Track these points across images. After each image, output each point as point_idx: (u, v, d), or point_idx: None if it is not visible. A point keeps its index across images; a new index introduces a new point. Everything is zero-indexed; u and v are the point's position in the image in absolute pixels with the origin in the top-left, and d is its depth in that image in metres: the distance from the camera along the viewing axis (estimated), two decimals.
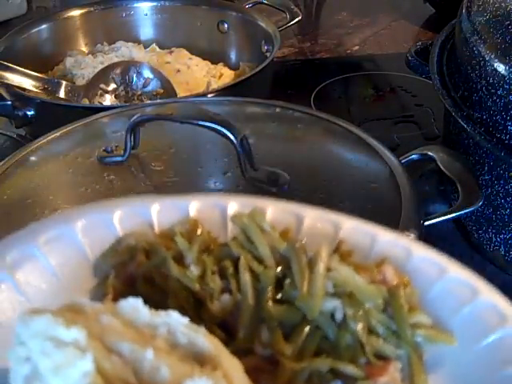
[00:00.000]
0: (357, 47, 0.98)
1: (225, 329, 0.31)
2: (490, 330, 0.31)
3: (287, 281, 0.32)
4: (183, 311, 0.28)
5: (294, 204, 0.38)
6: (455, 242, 0.61)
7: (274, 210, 0.37)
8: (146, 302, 0.27)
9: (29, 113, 0.72)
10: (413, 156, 0.53)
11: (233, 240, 0.34)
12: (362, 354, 0.30)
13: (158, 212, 0.37)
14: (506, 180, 0.53)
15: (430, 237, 0.51)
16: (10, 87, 0.74)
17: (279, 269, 0.33)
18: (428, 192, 0.58)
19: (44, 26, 0.88)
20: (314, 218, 0.37)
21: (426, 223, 0.49)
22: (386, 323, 0.32)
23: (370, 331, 0.31)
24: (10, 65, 0.74)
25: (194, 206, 0.37)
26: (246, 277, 0.32)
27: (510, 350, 0.30)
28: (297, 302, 0.31)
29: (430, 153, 0.55)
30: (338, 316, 0.31)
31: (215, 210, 0.37)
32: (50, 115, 0.69)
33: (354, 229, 0.37)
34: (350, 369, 0.30)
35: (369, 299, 0.31)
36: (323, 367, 0.30)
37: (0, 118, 0.77)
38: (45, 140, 0.58)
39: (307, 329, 0.31)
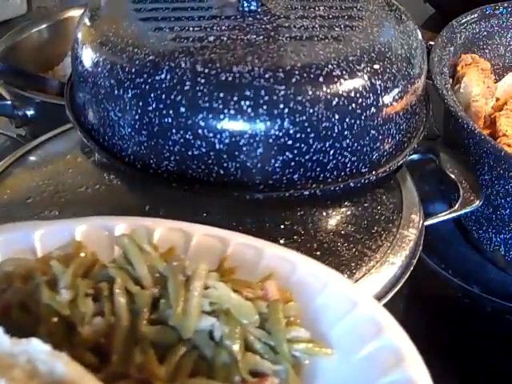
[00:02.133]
0: None
1: (100, 353, 0.31)
2: (366, 341, 0.32)
3: (163, 300, 0.32)
4: (53, 337, 0.27)
5: (185, 223, 0.39)
6: (455, 242, 0.61)
7: (163, 230, 0.38)
8: (20, 329, 0.27)
9: (29, 113, 0.72)
10: (413, 156, 0.53)
11: (112, 262, 0.34)
12: (237, 371, 0.30)
13: (42, 236, 0.37)
14: (506, 180, 0.53)
15: (429, 237, 0.52)
16: (10, 87, 0.74)
17: (156, 289, 0.32)
18: (428, 192, 0.58)
19: (44, 26, 0.88)
20: (203, 236, 0.38)
21: (426, 223, 0.49)
22: (264, 339, 0.32)
23: (248, 348, 0.31)
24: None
25: (81, 228, 0.37)
26: (120, 298, 0.32)
27: (386, 359, 0.31)
28: (171, 322, 0.31)
29: (430, 153, 0.55)
30: (217, 334, 0.31)
31: (103, 232, 0.37)
32: (50, 115, 0.69)
33: (242, 244, 0.37)
34: None
35: (244, 316, 0.32)
36: None
37: (0, 118, 0.77)
38: (45, 140, 0.58)
39: (183, 349, 0.31)
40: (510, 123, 0.65)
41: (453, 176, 0.53)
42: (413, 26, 0.58)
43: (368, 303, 0.34)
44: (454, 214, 0.51)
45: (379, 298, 0.43)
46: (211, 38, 0.50)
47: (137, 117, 0.47)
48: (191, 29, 0.51)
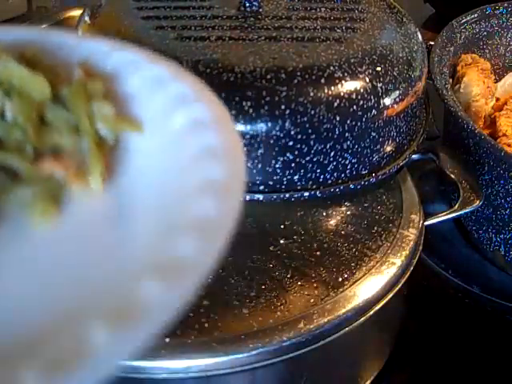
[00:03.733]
0: None
1: None
2: (177, 115, 0.30)
3: None
4: None
5: None
6: (455, 242, 0.61)
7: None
8: None
9: None
10: (413, 156, 0.54)
11: None
12: (31, 147, 0.28)
13: None
14: (506, 180, 0.53)
15: (429, 237, 0.52)
16: None
17: None
18: (428, 192, 0.58)
19: (44, 26, 0.88)
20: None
21: (426, 223, 0.50)
22: (62, 116, 0.30)
23: (45, 125, 0.29)
24: None
25: None
26: None
27: (197, 131, 0.29)
28: None
29: (430, 153, 0.55)
30: (8, 114, 0.29)
31: None
32: None
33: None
34: (16, 161, 0.28)
35: (38, 91, 0.30)
36: None
37: None
38: None
39: None
40: (510, 123, 0.65)
41: (453, 176, 0.53)
42: (413, 29, 0.58)
43: (182, 78, 0.32)
44: (453, 214, 0.51)
45: (379, 298, 0.43)
46: (213, 38, 0.50)
47: None
48: (193, 28, 0.52)
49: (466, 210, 0.51)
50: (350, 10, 0.57)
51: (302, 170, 0.47)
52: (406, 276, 0.45)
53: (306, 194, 0.47)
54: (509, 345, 0.54)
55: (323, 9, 0.57)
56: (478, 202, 0.51)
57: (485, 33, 0.73)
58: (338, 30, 0.53)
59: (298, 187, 0.47)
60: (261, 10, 0.55)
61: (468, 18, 0.72)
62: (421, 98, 0.54)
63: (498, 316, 0.56)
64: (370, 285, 0.43)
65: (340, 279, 0.43)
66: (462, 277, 0.58)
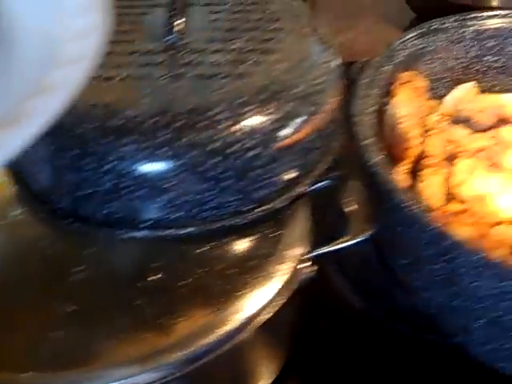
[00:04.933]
0: None
1: None
2: None
3: None
4: None
5: None
6: (370, 262, 0.63)
7: None
8: None
9: None
10: (313, 185, 0.56)
11: None
12: None
13: None
14: (396, 211, 0.54)
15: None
16: None
17: None
18: (322, 221, 0.60)
19: None
20: None
21: (312, 255, 0.52)
22: None
23: None
24: None
25: None
26: None
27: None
28: None
29: (328, 179, 0.57)
30: None
31: None
32: None
33: None
34: None
35: None
36: None
37: None
38: None
39: None
40: (438, 143, 0.66)
41: (347, 205, 0.55)
42: (332, 57, 0.60)
43: None
44: (343, 245, 0.53)
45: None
46: (117, 78, 0.54)
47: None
48: (106, 66, 0.55)
49: (356, 241, 0.53)
50: (266, 41, 0.59)
51: (184, 208, 0.50)
52: (276, 310, 0.48)
53: (186, 231, 0.50)
54: (403, 364, 0.57)
55: (242, 39, 0.59)
56: (368, 232, 0.53)
57: (432, 47, 0.74)
58: (245, 64, 0.55)
59: (179, 225, 0.50)
60: (179, 43, 0.58)
61: (412, 34, 0.73)
62: (324, 129, 0.56)
63: (398, 336, 0.58)
64: (237, 320, 0.47)
65: (208, 315, 0.47)
66: (369, 297, 0.60)
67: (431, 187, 0.64)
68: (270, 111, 0.52)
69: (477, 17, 0.74)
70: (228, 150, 0.50)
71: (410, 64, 0.72)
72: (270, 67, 0.55)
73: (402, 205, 0.51)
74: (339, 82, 0.59)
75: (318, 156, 0.56)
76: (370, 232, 0.53)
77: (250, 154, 0.50)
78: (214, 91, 0.52)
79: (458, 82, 0.77)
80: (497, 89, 0.77)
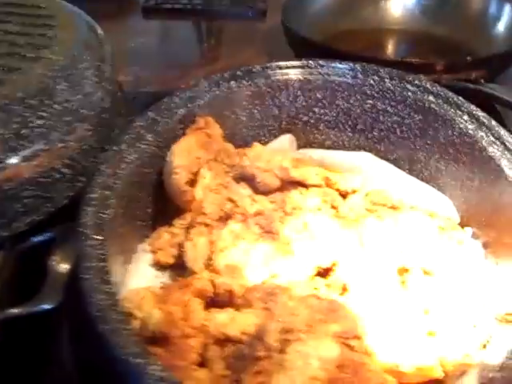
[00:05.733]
0: None
1: None
2: None
3: None
4: None
5: None
6: None
7: None
8: None
9: None
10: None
11: None
12: None
13: None
14: None
15: None
16: None
17: None
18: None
19: None
20: None
21: None
22: None
23: None
24: None
25: None
26: None
27: None
28: None
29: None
30: None
31: None
32: None
33: None
34: None
35: None
36: None
37: None
38: None
39: None
40: (216, 199, 0.60)
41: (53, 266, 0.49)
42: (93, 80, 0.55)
43: None
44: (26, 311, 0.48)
45: None
46: None
47: None
48: None
49: (38, 309, 0.47)
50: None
51: None
52: None
53: None
54: None
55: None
56: (53, 302, 0.47)
57: (255, 93, 0.67)
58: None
59: None
60: None
61: (227, 75, 0.66)
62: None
63: None
64: None
65: None
66: None
67: (195, 249, 0.58)
68: None
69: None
70: None
71: (215, 107, 0.65)
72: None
73: None
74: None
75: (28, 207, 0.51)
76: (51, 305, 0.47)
77: None
78: None
79: (288, 131, 0.70)
80: (329, 143, 0.70)
